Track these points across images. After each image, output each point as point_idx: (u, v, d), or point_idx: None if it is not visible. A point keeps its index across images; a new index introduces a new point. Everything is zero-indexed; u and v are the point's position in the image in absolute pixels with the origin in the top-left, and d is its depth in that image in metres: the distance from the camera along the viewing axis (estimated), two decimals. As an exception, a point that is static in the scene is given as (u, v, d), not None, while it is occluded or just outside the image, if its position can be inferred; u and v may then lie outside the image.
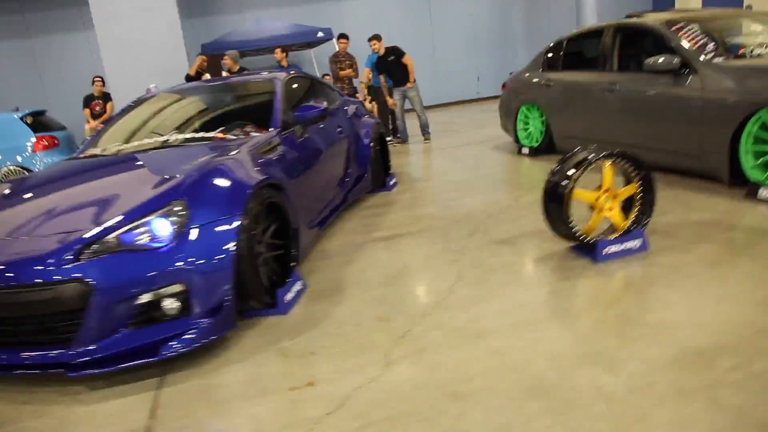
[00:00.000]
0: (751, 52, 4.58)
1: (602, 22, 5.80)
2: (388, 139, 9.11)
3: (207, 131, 4.02)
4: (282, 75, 4.48)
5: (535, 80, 6.51)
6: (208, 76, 8.09)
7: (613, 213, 3.28)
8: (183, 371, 2.49)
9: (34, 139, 7.58)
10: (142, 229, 2.53)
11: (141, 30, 8.91)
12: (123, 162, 3.67)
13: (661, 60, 4.52)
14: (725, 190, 4.16)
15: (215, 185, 2.86)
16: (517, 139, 6.88)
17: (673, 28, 4.76)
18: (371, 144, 5.47)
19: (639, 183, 3.26)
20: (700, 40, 4.60)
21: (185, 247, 2.53)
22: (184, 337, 2.49)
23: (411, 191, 5.63)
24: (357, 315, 2.88)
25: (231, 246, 2.63)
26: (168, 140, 4.00)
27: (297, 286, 3.28)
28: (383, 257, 3.77)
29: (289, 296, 3.13)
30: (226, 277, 2.60)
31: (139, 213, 2.60)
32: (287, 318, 2.95)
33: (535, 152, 6.54)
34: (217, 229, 2.64)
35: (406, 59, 8.60)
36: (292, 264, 3.36)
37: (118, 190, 3.04)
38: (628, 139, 5.15)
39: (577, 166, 3.16)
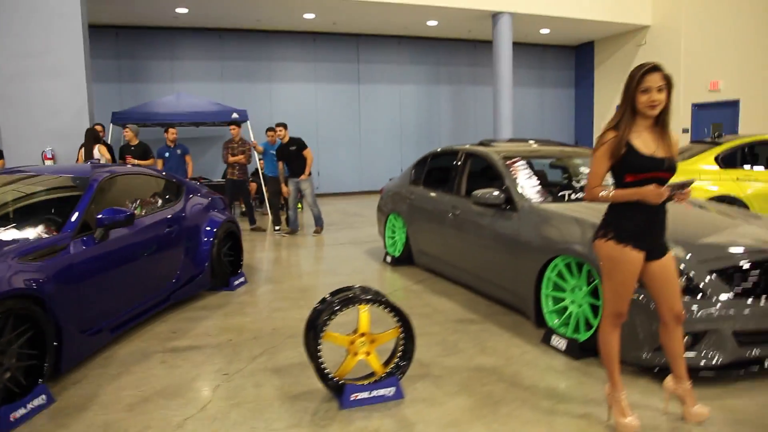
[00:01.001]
0: (570, 195, 4.82)
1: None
2: (277, 228, 9.15)
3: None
4: (103, 174, 4.43)
5: (401, 191, 6.67)
6: (102, 148, 8.01)
7: (370, 358, 3.27)
8: None
9: None
10: None
11: (44, 92, 8.87)
12: None
13: (487, 194, 4.70)
14: (533, 332, 4.22)
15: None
16: (385, 246, 6.97)
17: (508, 162, 4.98)
18: (214, 241, 5.43)
19: (400, 329, 3.26)
20: (528, 177, 4.83)
21: None
22: None
23: (249, 294, 5.56)
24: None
25: None
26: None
27: (37, 401, 3.12)
28: (156, 373, 3.64)
29: (18, 413, 2.98)
30: None
31: None
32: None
33: (396, 262, 6.61)
34: None
35: (306, 152, 8.79)
36: (39, 379, 3.22)
37: None
38: (466, 266, 5.28)
39: (344, 303, 3.16)
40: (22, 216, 4.10)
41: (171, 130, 8.92)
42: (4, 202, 4.21)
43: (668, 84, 2.53)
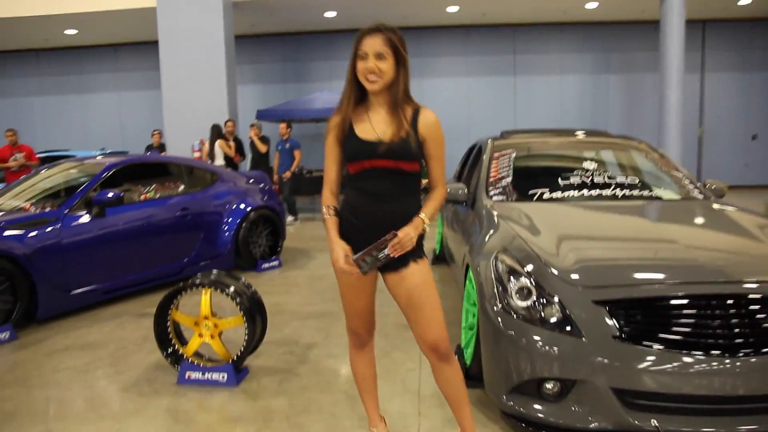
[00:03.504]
0: (557, 193, 4.07)
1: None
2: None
3: (34, 201, 4.92)
4: (117, 164, 5.22)
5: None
6: (221, 143, 9.22)
7: (213, 341, 3.37)
8: None
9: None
10: None
11: (195, 95, 10.50)
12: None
13: (454, 189, 4.28)
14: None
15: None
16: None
17: (495, 154, 4.47)
18: (241, 225, 5.95)
19: (243, 318, 3.30)
20: (502, 174, 4.28)
21: None
22: None
23: (270, 277, 5.96)
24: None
25: None
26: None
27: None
28: (104, 330, 4.24)
29: None
30: None
31: None
32: None
33: (435, 260, 6.36)
34: None
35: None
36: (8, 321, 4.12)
37: None
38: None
39: (190, 286, 3.35)
40: (48, 196, 5.08)
41: (281, 125, 9.78)
42: (42, 187, 5.27)
43: (396, 52, 2.03)
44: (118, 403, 3.07)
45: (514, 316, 2.55)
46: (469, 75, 14.60)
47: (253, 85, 14.82)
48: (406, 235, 2.01)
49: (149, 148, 11.37)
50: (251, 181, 6.55)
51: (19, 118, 15.19)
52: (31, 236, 4.35)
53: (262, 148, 9.67)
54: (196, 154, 10.52)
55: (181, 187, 5.74)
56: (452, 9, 12.83)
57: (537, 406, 2.48)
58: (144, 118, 14.90)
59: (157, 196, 5.45)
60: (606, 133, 4.97)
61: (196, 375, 3.28)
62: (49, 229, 4.49)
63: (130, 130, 15.25)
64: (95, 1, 11.82)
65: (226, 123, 9.60)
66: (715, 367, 2.26)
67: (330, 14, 12.96)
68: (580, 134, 4.79)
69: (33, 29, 13.40)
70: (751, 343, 2.30)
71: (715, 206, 3.63)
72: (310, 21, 13.62)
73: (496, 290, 2.68)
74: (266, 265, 6.25)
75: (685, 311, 2.38)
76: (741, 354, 2.27)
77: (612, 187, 3.90)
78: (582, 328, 2.41)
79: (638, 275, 2.59)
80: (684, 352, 2.30)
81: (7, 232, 4.26)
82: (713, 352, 2.28)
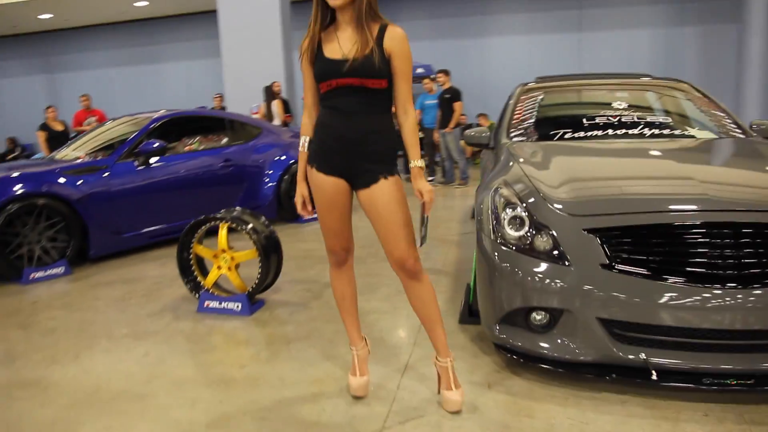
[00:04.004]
0: (577, 134, 3.92)
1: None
2: (430, 179, 9.35)
3: (91, 152, 5.31)
4: (162, 118, 5.52)
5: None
6: (277, 103, 9.51)
7: (230, 273, 3.57)
8: None
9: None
10: None
11: (251, 59, 10.80)
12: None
13: (476, 132, 4.21)
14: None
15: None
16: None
17: (522, 97, 4.36)
18: (283, 177, 6.16)
19: (257, 252, 3.47)
20: (525, 116, 4.17)
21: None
22: None
23: (307, 228, 6.13)
24: None
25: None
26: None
27: (55, 270, 4.49)
28: (143, 269, 4.57)
29: (37, 275, 4.38)
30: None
31: None
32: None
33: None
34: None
35: (457, 105, 8.80)
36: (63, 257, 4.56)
37: None
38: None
39: (207, 221, 3.55)
40: (105, 147, 5.42)
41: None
42: (101, 139, 5.65)
43: None
44: (142, 326, 3.35)
45: (507, 247, 2.52)
46: (532, 32, 14.05)
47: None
48: (423, 190, 2.12)
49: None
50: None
51: (100, 88, 16.19)
52: (83, 182, 4.73)
53: None
54: (255, 116, 10.87)
55: (224, 140, 6.00)
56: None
57: (525, 337, 2.47)
58: (210, 84, 15.47)
59: (201, 147, 5.73)
60: (647, 75, 4.71)
61: (213, 304, 3.50)
62: (100, 176, 4.85)
63: (198, 96, 15.89)
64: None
65: (273, 84, 9.83)
66: (706, 300, 2.15)
67: (387, -26, 12.83)
68: (619, 78, 4.57)
69: (108, 3, 14.17)
70: (743, 276, 2.17)
71: (752, 143, 3.39)
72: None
73: (491, 222, 2.66)
74: (308, 217, 6.42)
75: (675, 241, 2.27)
76: (732, 286, 2.15)
77: (641, 127, 3.71)
78: (570, 256, 2.36)
79: (633, 206, 2.47)
80: (671, 282, 2.20)
81: (62, 179, 4.65)
82: (704, 283, 2.17)
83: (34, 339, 3.22)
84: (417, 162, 2.15)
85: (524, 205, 2.59)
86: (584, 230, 2.38)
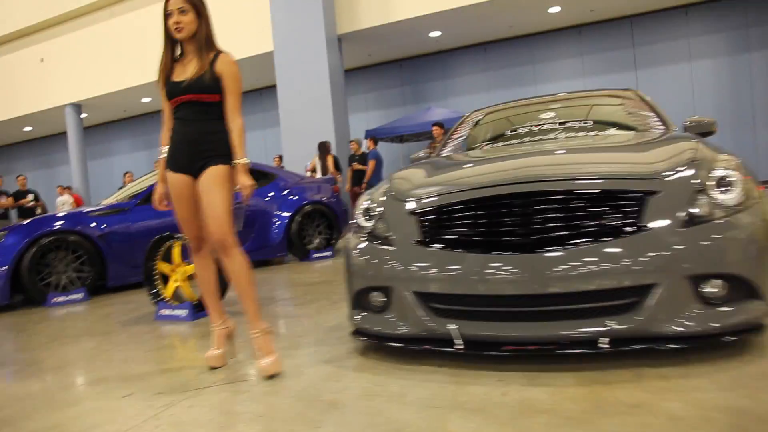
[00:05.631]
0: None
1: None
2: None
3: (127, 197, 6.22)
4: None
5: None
6: (329, 157, 10.32)
7: (183, 285, 4.06)
8: None
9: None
10: None
11: (306, 121, 11.80)
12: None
13: (419, 154, 4.52)
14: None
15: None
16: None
17: (467, 119, 4.59)
18: (293, 217, 6.72)
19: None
20: (462, 132, 4.37)
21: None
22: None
23: (314, 266, 6.56)
24: None
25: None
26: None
27: (75, 296, 5.24)
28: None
29: (59, 299, 5.18)
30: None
31: None
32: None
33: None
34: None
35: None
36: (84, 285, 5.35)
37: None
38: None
39: (163, 239, 4.12)
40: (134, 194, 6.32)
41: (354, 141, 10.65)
42: (141, 186, 6.56)
43: (195, 7, 2.58)
44: (109, 329, 3.90)
45: (360, 237, 2.78)
46: (586, 75, 13.98)
47: (376, 110, 15.90)
48: (243, 184, 2.57)
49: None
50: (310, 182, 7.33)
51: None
52: (105, 222, 5.56)
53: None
54: (308, 172, 11.73)
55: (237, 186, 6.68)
56: (554, 9, 12.58)
57: (361, 317, 2.68)
58: (274, 147, 16.63)
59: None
60: (599, 89, 4.76)
61: (167, 312, 4.00)
62: (121, 217, 5.67)
63: (266, 159, 17.36)
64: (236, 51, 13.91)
65: (326, 142, 10.67)
66: (503, 268, 2.25)
67: (435, 34, 13.55)
68: (568, 93, 4.67)
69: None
70: (547, 241, 2.25)
71: (655, 137, 3.37)
72: (420, 44, 14.34)
73: (358, 220, 2.93)
74: (317, 254, 6.88)
75: (478, 216, 2.42)
76: (536, 253, 2.22)
77: (558, 132, 3.81)
78: (396, 237, 2.59)
79: (448, 190, 2.63)
80: (477, 252, 2.33)
81: (88, 219, 5.51)
82: (503, 252, 2.29)
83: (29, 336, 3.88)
84: (241, 160, 2.56)
85: (379, 199, 2.85)
86: (408, 213, 2.60)
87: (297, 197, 6.95)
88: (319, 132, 11.55)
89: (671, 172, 2.37)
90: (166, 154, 2.72)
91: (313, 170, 10.53)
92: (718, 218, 2.22)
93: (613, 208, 2.27)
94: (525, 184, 2.42)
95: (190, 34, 2.61)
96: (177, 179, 2.65)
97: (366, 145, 11.15)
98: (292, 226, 6.75)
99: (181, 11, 2.57)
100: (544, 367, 2.25)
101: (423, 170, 3.18)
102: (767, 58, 12.71)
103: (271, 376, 2.47)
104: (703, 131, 3.73)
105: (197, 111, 2.61)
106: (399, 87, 15.75)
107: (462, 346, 2.33)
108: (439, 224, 2.51)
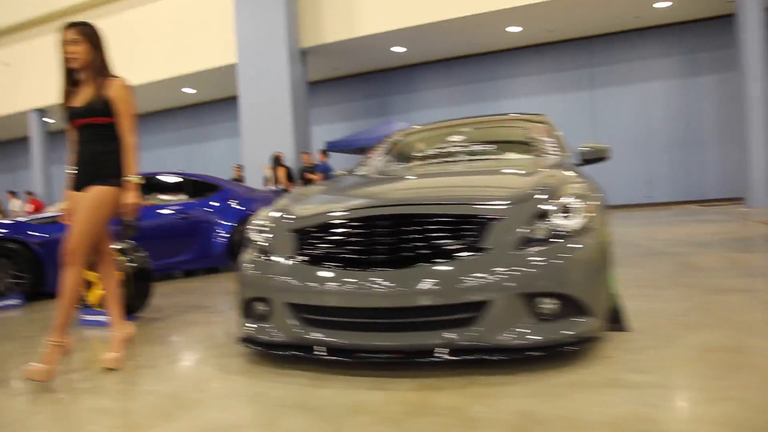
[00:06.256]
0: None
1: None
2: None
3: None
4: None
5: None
6: (280, 169, 10.52)
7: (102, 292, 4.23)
8: None
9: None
10: None
11: (266, 133, 12.03)
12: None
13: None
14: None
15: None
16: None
17: (387, 140, 4.82)
18: (236, 227, 6.90)
19: (123, 274, 4.13)
20: (379, 152, 4.60)
21: None
22: None
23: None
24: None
25: None
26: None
27: (11, 301, 5.36)
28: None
29: None
30: None
31: None
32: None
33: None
34: None
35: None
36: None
37: None
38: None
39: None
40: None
41: (304, 155, 10.93)
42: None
43: (88, 37, 2.82)
44: (32, 334, 4.04)
45: (251, 251, 3.00)
46: (544, 93, 14.43)
47: (341, 122, 16.18)
48: (127, 201, 2.80)
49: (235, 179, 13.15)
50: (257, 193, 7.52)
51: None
52: (40, 229, 5.69)
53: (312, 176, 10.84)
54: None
55: (181, 197, 6.87)
56: (512, 29, 13.00)
57: (247, 325, 2.88)
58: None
59: (160, 202, 6.61)
60: (512, 113, 5.00)
61: (89, 317, 4.17)
62: (53, 224, 5.79)
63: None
64: (200, 62, 14.12)
65: (277, 153, 10.92)
66: (364, 284, 2.47)
67: (399, 49, 13.88)
68: (483, 118, 4.94)
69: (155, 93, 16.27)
70: (403, 260, 2.48)
71: (541, 163, 3.63)
72: (385, 59, 14.67)
73: (250, 235, 3.14)
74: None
75: (344, 234, 2.66)
76: (392, 270, 2.46)
77: (463, 154, 4.06)
78: (275, 252, 2.81)
79: (331, 210, 2.86)
80: (341, 267, 2.56)
81: (30, 227, 5.67)
82: (368, 268, 2.51)
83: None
84: (131, 177, 2.78)
85: (271, 216, 3.07)
86: (288, 230, 2.83)
87: (242, 207, 7.13)
88: (278, 143, 11.79)
89: (520, 198, 2.63)
90: (72, 173, 2.93)
91: (273, 181, 10.77)
92: (554, 242, 2.48)
93: (460, 230, 2.52)
94: (384, 208, 2.67)
95: (84, 64, 2.84)
96: (76, 196, 2.87)
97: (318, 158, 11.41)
98: (234, 235, 6.92)
99: (74, 42, 2.82)
100: (394, 373, 2.48)
101: (320, 189, 3.43)
102: (716, 82, 13.25)
103: (111, 370, 2.77)
104: (595, 157, 4.02)
105: (91, 133, 2.85)
106: (363, 100, 16.06)
107: (324, 353, 2.55)
108: (311, 241, 2.74)
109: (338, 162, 12.16)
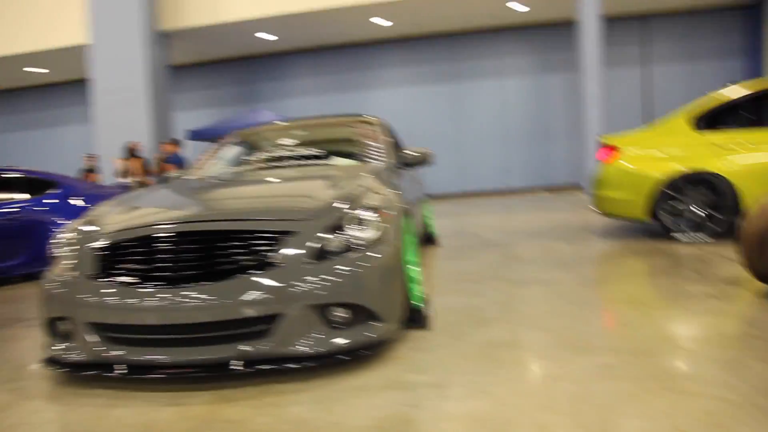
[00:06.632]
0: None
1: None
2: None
3: None
4: None
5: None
6: (133, 160, 9.95)
7: None
8: None
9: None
10: None
11: (122, 118, 11.32)
12: None
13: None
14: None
15: None
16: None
17: (223, 141, 4.78)
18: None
19: None
20: (212, 157, 4.57)
21: None
22: None
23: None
24: None
25: None
26: None
27: None
28: None
29: None
30: None
31: None
32: None
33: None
34: None
35: None
36: None
37: None
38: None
39: None
40: None
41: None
42: None
43: None
44: None
45: (53, 266, 2.90)
46: (410, 85, 14.93)
47: (207, 109, 15.62)
48: None
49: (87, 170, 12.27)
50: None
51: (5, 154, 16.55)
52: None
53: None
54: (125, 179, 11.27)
55: (13, 195, 6.34)
56: (377, 20, 13.26)
57: (53, 346, 2.79)
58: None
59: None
60: (359, 115, 5.16)
61: None
62: None
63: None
64: (47, 41, 12.93)
65: (131, 143, 10.35)
66: (156, 301, 2.49)
67: (268, 37, 13.63)
68: (317, 120, 5.09)
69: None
70: (194, 276, 2.53)
71: (341, 167, 3.82)
72: (253, 45, 14.35)
73: (54, 250, 3.02)
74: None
75: (141, 251, 2.66)
76: (183, 286, 2.49)
77: (289, 161, 4.14)
78: (77, 269, 2.73)
79: (130, 225, 2.85)
80: (136, 285, 2.56)
81: None
82: (160, 285, 2.52)
83: None
84: None
85: (76, 230, 2.97)
86: (88, 247, 2.76)
87: (88, 205, 6.71)
88: (136, 131, 11.18)
89: (319, 210, 2.76)
90: None
91: (127, 173, 10.18)
92: (347, 253, 2.65)
93: (252, 245, 2.60)
94: (175, 225, 2.71)
95: None
96: None
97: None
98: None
99: None
100: (194, 386, 2.54)
101: (134, 196, 3.38)
102: (562, 81, 14.47)
103: None
104: (418, 162, 4.30)
105: None
106: (231, 86, 15.64)
107: (125, 371, 2.55)
108: (108, 258, 2.71)
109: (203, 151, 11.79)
